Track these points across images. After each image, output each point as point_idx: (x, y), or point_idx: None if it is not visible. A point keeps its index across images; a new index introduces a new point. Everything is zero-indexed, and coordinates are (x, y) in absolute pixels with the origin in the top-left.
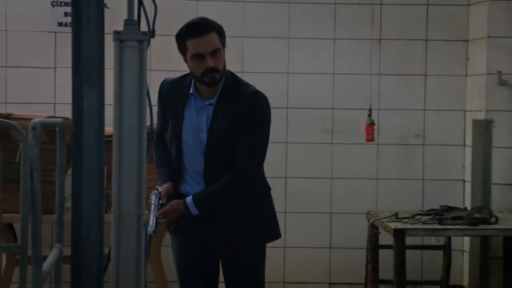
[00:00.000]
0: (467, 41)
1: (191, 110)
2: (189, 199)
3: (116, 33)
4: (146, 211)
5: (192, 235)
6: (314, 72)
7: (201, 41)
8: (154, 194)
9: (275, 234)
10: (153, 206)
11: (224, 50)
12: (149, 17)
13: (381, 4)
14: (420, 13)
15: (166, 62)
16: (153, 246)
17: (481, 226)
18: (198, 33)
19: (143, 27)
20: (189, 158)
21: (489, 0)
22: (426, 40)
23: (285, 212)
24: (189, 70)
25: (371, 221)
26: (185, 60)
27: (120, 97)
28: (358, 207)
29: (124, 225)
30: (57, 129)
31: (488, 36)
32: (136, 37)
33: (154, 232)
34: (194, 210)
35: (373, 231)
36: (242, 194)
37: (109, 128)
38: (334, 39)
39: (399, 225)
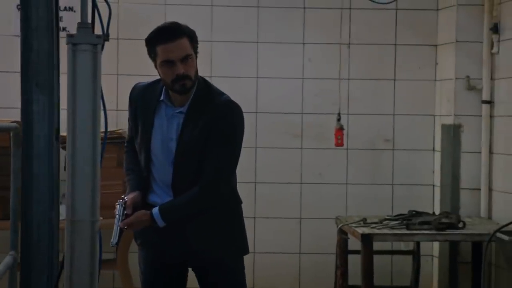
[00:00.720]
0: (436, 46)
1: (161, 118)
2: (155, 210)
3: (69, 36)
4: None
5: (160, 248)
6: (283, 77)
7: (171, 46)
8: (119, 204)
9: (243, 249)
10: (117, 216)
11: (196, 56)
12: (103, 20)
13: (350, 8)
14: (389, 18)
15: (135, 66)
16: (120, 253)
17: (448, 231)
18: (168, 38)
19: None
20: (157, 168)
21: (457, 5)
22: (395, 44)
23: (254, 218)
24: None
25: (339, 226)
26: (155, 66)
27: (74, 102)
28: (328, 212)
29: (77, 232)
30: (11, 134)
31: (456, 41)
32: (89, 40)
33: (116, 244)
34: (160, 222)
35: (342, 236)
36: (211, 207)
37: None
38: (303, 43)
39: (367, 230)
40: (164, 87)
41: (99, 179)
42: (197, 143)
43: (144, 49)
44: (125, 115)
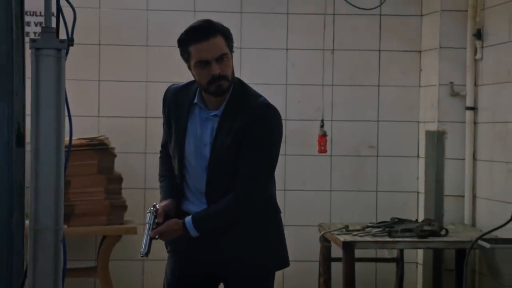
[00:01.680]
0: (420, 51)
1: (194, 122)
2: (188, 219)
3: (32, 41)
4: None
5: (190, 257)
6: (266, 83)
7: (205, 46)
8: (150, 212)
9: (283, 262)
10: (147, 225)
11: (232, 55)
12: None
13: (334, 14)
14: (373, 24)
15: (117, 72)
16: (100, 261)
17: (430, 239)
18: (202, 37)
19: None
20: (191, 174)
21: (440, 11)
22: (379, 50)
23: None
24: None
25: (321, 233)
26: (189, 67)
27: (37, 108)
28: (312, 220)
29: (41, 240)
30: None
31: (440, 47)
32: (53, 45)
33: (146, 254)
34: (193, 232)
35: (325, 244)
36: (246, 217)
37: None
38: (287, 49)
39: (348, 238)
40: (198, 89)
41: (63, 186)
42: (231, 148)
43: (126, 55)
44: (107, 121)
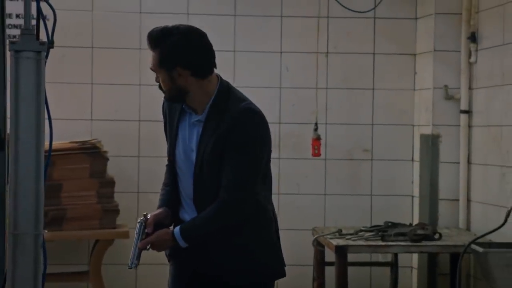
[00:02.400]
0: (415, 55)
1: (184, 127)
2: (177, 229)
3: (12, 43)
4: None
5: (185, 264)
6: (260, 86)
7: (152, 54)
8: (139, 222)
9: (277, 272)
10: (136, 235)
11: (171, 73)
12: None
13: (327, 17)
14: (367, 27)
15: (110, 75)
16: (93, 265)
17: (424, 243)
18: (148, 45)
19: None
20: (182, 181)
21: (434, 14)
22: (374, 53)
23: None
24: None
25: (314, 237)
26: None
27: (16, 111)
28: (306, 224)
29: (20, 246)
30: None
31: (434, 50)
32: (33, 47)
33: (135, 266)
34: (182, 243)
35: (318, 248)
36: (235, 224)
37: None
38: (281, 52)
39: (341, 242)
40: None
41: (42, 190)
42: (214, 155)
43: (119, 58)
44: (100, 124)
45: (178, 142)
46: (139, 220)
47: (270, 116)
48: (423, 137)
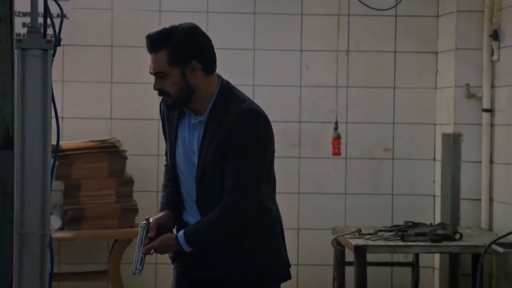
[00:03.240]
0: (437, 53)
1: (183, 129)
2: (180, 234)
3: (18, 41)
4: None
5: (189, 267)
6: (280, 85)
7: (152, 58)
8: (142, 226)
9: (281, 274)
10: (139, 240)
11: (184, 69)
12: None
13: (348, 15)
14: (388, 24)
15: (129, 74)
16: (112, 264)
17: (444, 243)
18: (149, 49)
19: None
20: (184, 184)
21: (456, 12)
22: (395, 52)
23: None
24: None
25: (334, 237)
26: None
27: (23, 110)
28: (326, 223)
29: (27, 246)
30: None
31: (456, 48)
32: (39, 45)
33: (139, 272)
34: (186, 247)
35: (338, 247)
36: (240, 228)
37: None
38: (301, 50)
39: (360, 242)
40: None
41: (49, 190)
42: (217, 157)
43: (138, 56)
44: (119, 123)
45: (178, 144)
46: (141, 224)
47: (290, 115)
48: (445, 136)
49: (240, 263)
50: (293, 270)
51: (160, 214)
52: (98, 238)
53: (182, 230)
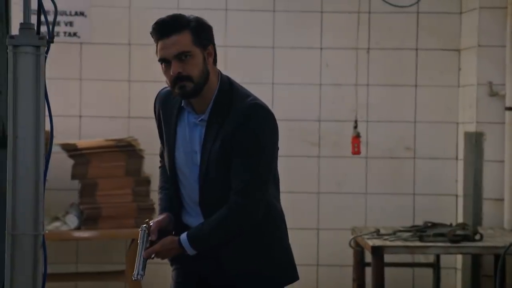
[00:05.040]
0: (459, 50)
1: (183, 128)
2: (183, 237)
3: (10, 37)
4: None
5: (190, 270)
6: (300, 83)
7: (167, 43)
8: (142, 229)
9: (290, 276)
10: (140, 244)
11: (204, 52)
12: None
13: (369, 12)
14: (410, 22)
15: (147, 72)
16: (129, 263)
17: (463, 244)
18: (164, 33)
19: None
20: (185, 184)
21: (479, 8)
22: (417, 49)
23: None
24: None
25: (352, 238)
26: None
27: (15, 108)
28: (346, 223)
29: (19, 247)
30: None
31: (478, 45)
32: (31, 42)
33: (141, 277)
34: (190, 251)
35: (357, 248)
36: (246, 228)
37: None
38: (321, 48)
39: (377, 242)
40: None
41: (42, 190)
42: (221, 156)
43: (156, 54)
44: (137, 122)
45: (178, 143)
46: (141, 227)
47: (309, 114)
48: (467, 135)
49: (248, 266)
50: (312, 270)
51: (161, 217)
52: (115, 238)
53: (185, 233)
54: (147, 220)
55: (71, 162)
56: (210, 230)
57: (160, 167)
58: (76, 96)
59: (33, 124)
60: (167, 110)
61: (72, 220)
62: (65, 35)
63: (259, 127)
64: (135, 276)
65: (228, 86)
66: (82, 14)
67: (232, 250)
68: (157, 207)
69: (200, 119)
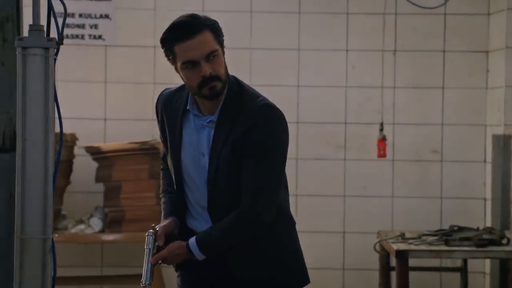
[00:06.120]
0: (487, 52)
1: (189, 130)
2: (192, 241)
3: (19, 39)
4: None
5: (197, 277)
6: (325, 85)
7: (192, 44)
8: (149, 235)
9: (301, 281)
10: (147, 249)
11: (223, 51)
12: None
13: (395, 13)
14: (437, 23)
15: (172, 75)
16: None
17: (489, 248)
18: (187, 34)
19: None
20: (191, 188)
21: (507, 9)
22: (444, 51)
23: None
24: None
25: (376, 242)
26: (176, 70)
27: (24, 110)
28: (373, 227)
29: (28, 251)
30: None
31: (507, 47)
32: (40, 43)
33: (149, 283)
34: (199, 255)
35: (381, 252)
36: (257, 232)
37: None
38: (347, 50)
39: (402, 246)
40: (190, 94)
41: (51, 193)
42: (231, 158)
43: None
44: None
45: (184, 146)
46: (147, 233)
47: (335, 116)
48: (495, 137)
49: (260, 272)
50: (338, 274)
51: (167, 222)
52: (139, 241)
53: (194, 237)
54: (153, 225)
55: (95, 165)
56: (220, 234)
57: (162, 169)
58: (101, 99)
59: (42, 126)
60: (171, 112)
61: (96, 223)
62: (90, 38)
63: (271, 128)
64: (144, 283)
65: (237, 86)
66: (107, 16)
67: (242, 256)
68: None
69: (208, 120)
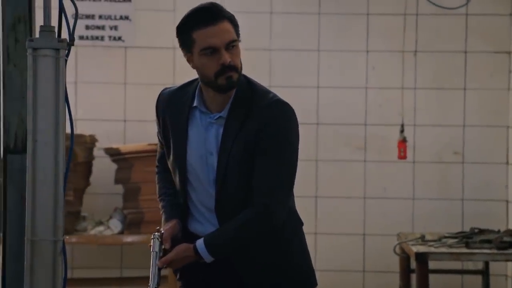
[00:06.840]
0: (509, 52)
1: (196, 128)
2: (200, 243)
3: (30, 40)
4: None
5: (202, 284)
6: (345, 86)
7: (213, 30)
8: (155, 237)
9: (309, 283)
10: (153, 253)
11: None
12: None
13: (416, 14)
14: (459, 24)
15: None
16: (170, 272)
17: (510, 251)
18: (209, 20)
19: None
20: (196, 189)
21: None
22: (465, 52)
23: (315, 233)
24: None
25: (396, 244)
26: (189, 60)
27: (35, 111)
28: (392, 229)
29: (38, 253)
30: None
31: None
32: (51, 45)
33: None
34: (207, 257)
35: (402, 254)
36: (269, 232)
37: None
38: (367, 51)
39: (422, 249)
40: (196, 91)
41: (62, 195)
42: (243, 156)
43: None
44: None
45: (190, 145)
46: (153, 236)
47: (355, 117)
48: None
49: (269, 279)
50: (359, 277)
51: (172, 224)
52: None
53: (201, 239)
54: (158, 227)
55: (115, 166)
56: (230, 234)
57: (157, 172)
58: (121, 100)
59: (53, 128)
60: (175, 111)
61: (115, 224)
62: (109, 39)
63: (285, 125)
64: (152, 287)
65: (246, 83)
66: (126, 18)
67: (250, 260)
68: None
69: (217, 117)
